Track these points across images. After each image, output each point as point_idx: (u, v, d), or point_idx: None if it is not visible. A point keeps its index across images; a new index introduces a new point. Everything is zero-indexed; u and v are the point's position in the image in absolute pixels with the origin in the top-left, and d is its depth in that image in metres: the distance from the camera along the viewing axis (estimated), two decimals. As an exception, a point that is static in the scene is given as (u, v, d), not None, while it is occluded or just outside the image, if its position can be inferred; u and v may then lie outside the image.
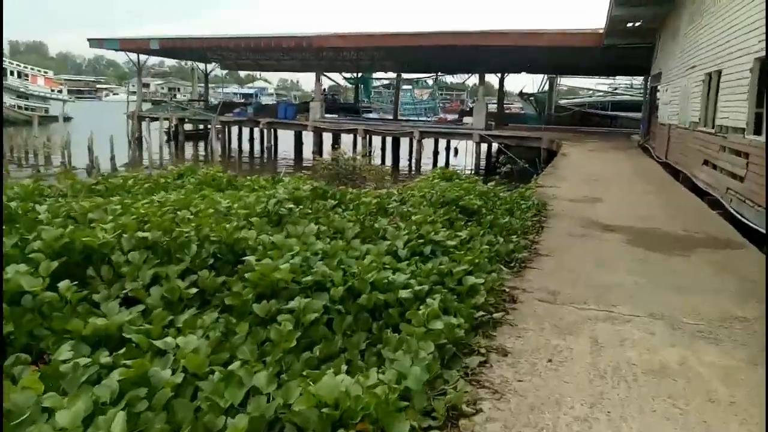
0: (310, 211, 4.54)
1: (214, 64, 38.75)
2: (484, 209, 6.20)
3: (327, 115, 31.34)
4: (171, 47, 28.67)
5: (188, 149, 32.11)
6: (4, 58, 51.04)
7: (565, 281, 4.50)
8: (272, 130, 32.16)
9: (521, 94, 34.62)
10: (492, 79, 34.33)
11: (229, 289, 3.11)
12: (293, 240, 3.59)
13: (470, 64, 24.57)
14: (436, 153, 29.94)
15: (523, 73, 34.02)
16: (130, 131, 31.79)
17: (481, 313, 3.46)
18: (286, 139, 32.91)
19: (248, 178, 7.42)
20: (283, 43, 26.21)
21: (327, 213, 4.60)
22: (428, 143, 29.20)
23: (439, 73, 32.72)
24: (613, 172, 12.47)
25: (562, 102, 37.09)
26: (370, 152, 30.22)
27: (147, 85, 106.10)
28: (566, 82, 46.61)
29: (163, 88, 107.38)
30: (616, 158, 15.89)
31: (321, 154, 32.91)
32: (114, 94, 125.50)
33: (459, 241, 4.80)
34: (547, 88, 34.97)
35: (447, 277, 3.80)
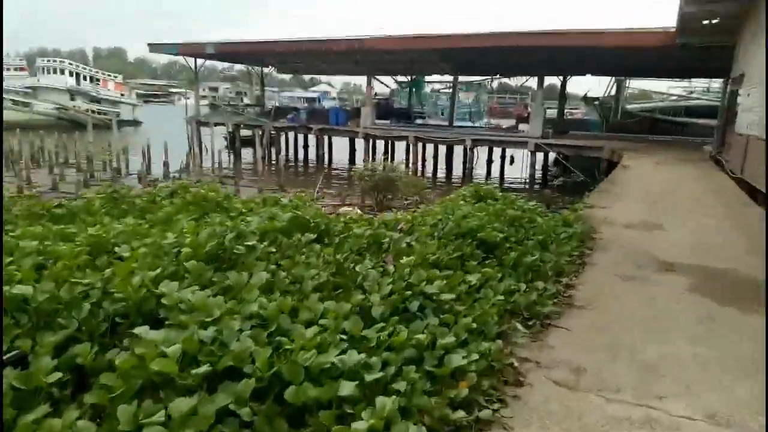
0: (274, 250, 3.71)
1: (271, 68, 38.97)
2: (510, 241, 5.17)
3: (379, 121, 30.69)
4: (226, 51, 28.84)
5: (247, 155, 32.18)
6: (80, 64, 53.74)
7: (598, 351, 3.44)
8: (325, 136, 31.92)
9: (585, 99, 32.65)
10: (555, 81, 32.70)
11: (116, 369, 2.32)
12: (219, 299, 2.76)
13: (529, 66, 23.20)
14: (489, 162, 28.60)
15: (588, 76, 32.05)
16: (189, 137, 32.26)
17: (462, 414, 2.50)
18: (343, 145, 32.57)
19: (253, 200, 6.72)
20: (334, 46, 25.72)
21: (297, 252, 3.75)
22: (485, 151, 28.01)
23: (497, 76, 31.32)
24: (680, 189, 10.99)
25: (630, 107, 34.70)
26: (423, 160, 29.39)
27: (216, 89, 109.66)
28: (638, 85, 43.94)
29: (231, 92, 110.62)
30: (684, 172, 14.22)
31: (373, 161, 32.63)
32: (186, 98, 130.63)
33: (465, 289, 3.84)
34: (614, 91, 32.85)
35: (427, 351, 2.86)
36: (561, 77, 29.41)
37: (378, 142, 29.13)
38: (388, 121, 31.02)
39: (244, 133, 32.70)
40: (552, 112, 31.50)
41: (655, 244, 6.30)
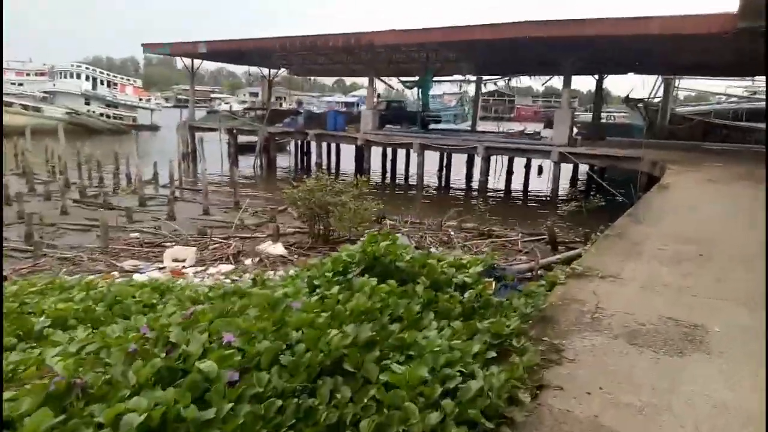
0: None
1: (283, 69, 36.33)
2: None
3: (390, 126, 27.40)
4: (218, 50, 26.24)
5: (248, 163, 29.29)
6: (97, 69, 52.72)
7: None
8: (329, 143, 28.85)
9: (627, 100, 28.34)
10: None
11: None
12: None
13: (557, 63, 19.44)
14: (509, 173, 24.81)
15: (631, 75, 27.81)
16: (181, 143, 29.78)
17: None
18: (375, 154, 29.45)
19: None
20: (330, 41, 22.64)
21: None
22: (512, 160, 24.27)
23: (519, 75, 27.43)
24: (742, 230, 7.20)
25: (681, 110, 30.15)
26: (443, 170, 25.91)
27: (256, 94, 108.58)
28: (690, 85, 38.96)
29: (271, 97, 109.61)
30: (747, 197, 10.27)
31: (383, 172, 29.26)
32: (225, 103, 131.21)
33: None
34: (662, 92, 28.46)
35: None
36: (596, 76, 25.31)
37: (396, 149, 25.98)
38: (398, 126, 27.65)
39: (249, 139, 29.97)
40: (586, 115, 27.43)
41: (689, 410, 2.74)
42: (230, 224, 12.55)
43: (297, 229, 11.41)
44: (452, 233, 11.14)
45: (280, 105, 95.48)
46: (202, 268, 7.84)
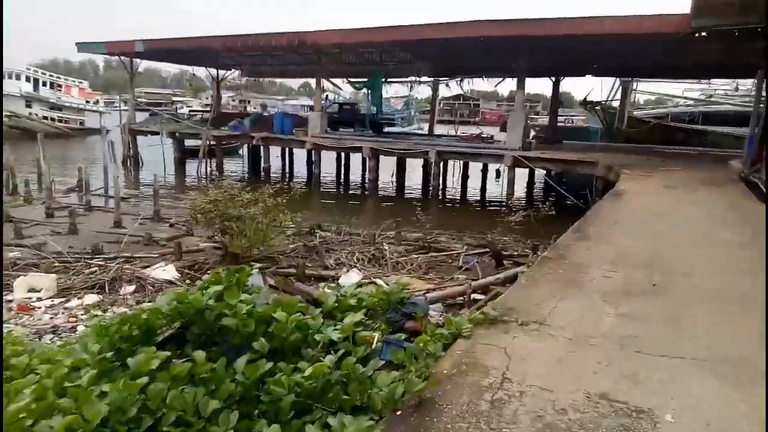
0: None
1: (233, 70, 34.67)
2: None
3: (344, 130, 26.13)
4: (157, 49, 24.50)
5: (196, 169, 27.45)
6: (39, 69, 49.81)
7: None
8: (283, 148, 27.42)
9: (584, 103, 27.71)
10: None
11: None
12: None
13: (512, 64, 18.48)
14: (465, 177, 23.79)
15: (589, 77, 27.19)
16: (122, 148, 27.86)
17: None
18: (328, 159, 27.98)
19: None
20: (274, 41, 21.23)
21: None
22: (468, 164, 23.23)
23: (475, 77, 26.44)
24: (703, 252, 6.14)
25: (638, 113, 29.71)
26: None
27: (219, 98, 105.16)
28: (648, 88, 38.80)
29: (234, 100, 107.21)
30: (706, 205, 9.34)
31: (337, 177, 27.96)
32: (188, 106, 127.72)
33: None
34: (620, 95, 27.93)
35: None
36: (552, 78, 24.55)
37: (350, 153, 24.61)
38: (351, 129, 26.39)
39: (198, 143, 28.18)
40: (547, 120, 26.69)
41: None
42: (139, 238, 11.05)
43: (216, 245, 10.02)
44: (386, 248, 9.90)
45: (245, 108, 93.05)
46: (63, 299, 6.40)
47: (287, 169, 29.35)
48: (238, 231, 7.60)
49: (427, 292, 7.45)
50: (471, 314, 3.78)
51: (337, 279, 7.91)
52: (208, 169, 25.74)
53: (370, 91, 24.70)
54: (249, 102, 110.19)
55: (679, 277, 4.92)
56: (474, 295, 7.19)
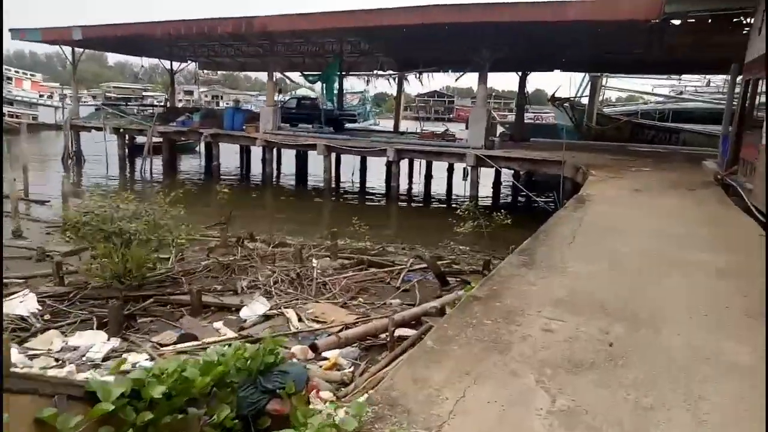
0: None
1: (188, 62, 32.78)
2: None
3: (303, 125, 24.60)
4: (96, 36, 22.58)
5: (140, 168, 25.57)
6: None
7: None
8: (244, 146, 25.75)
9: (552, 99, 26.69)
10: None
11: None
12: None
13: (473, 55, 17.20)
14: (429, 177, 22.52)
15: (558, 72, 26.16)
16: (64, 145, 25.94)
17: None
18: (288, 157, 26.37)
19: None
20: (219, 27, 19.58)
21: None
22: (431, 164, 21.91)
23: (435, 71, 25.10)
24: (678, 280, 4.87)
25: (608, 111, 28.80)
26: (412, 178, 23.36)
27: (190, 92, 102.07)
28: (618, 84, 37.96)
29: (207, 96, 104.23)
30: (681, 216, 8.14)
31: (297, 176, 26.33)
32: (158, 101, 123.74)
33: None
34: (589, 91, 26.96)
35: None
36: (519, 73, 23.38)
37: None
38: (310, 126, 24.84)
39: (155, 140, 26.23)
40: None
41: None
42: (32, 252, 9.45)
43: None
44: (316, 264, 8.49)
45: (217, 104, 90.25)
46: None
47: (245, 168, 27.77)
48: (107, 252, 6.09)
49: (345, 328, 6.08)
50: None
51: (239, 310, 6.49)
52: (151, 167, 23.91)
53: (324, 85, 23.13)
54: (222, 97, 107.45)
55: (645, 330, 3.62)
56: (400, 331, 5.85)
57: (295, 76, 27.59)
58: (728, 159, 12.29)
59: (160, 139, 24.00)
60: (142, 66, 33.46)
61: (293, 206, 19.18)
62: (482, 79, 17.56)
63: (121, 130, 24.61)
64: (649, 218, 7.78)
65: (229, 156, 26.00)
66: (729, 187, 10.88)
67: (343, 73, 26.25)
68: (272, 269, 8.21)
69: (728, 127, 13.92)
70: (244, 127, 21.46)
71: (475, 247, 11.80)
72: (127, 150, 25.08)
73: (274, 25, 18.63)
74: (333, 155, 20.49)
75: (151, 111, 29.60)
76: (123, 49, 29.49)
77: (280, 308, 6.53)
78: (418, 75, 25.63)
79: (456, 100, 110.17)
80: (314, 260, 8.52)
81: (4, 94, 44.91)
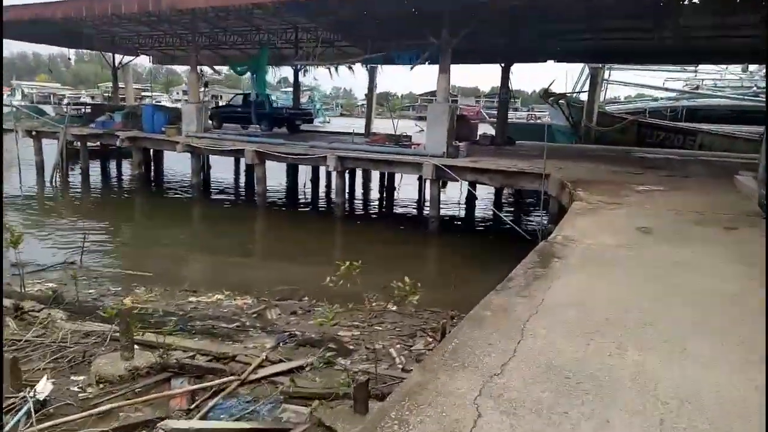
0: None
1: (139, 55, 29.10)
2: None
3: (254, 126, 20.85)
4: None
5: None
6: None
7: None
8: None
9: (545, 95, 22.77)
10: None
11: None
12: None
13: (433, 37, 13.36)
14: (391, 189, 18.65)
15: (551, 62, 22.19)
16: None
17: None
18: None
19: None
20: (123, 5, 15.76)
21: None
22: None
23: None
24: None
25: (611, 109, 24.82)
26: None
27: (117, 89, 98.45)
28: (623, 77, 33.82)
29: (206, 95, 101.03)
30: (717, 299, 4.14)
31: (236, 187, 22.32)
32: (156, 102, 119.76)
33: None
34: (589, 85, 23.03)
35: None
36: (502, 64, 19.43)
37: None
38: (258, 127, 21.07)
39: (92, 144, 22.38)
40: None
41: None
42: None
43: None
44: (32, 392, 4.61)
45: (217, 104, 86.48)
46: None
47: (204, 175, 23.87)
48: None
49: None
50: None
51: None
52: (66, 176, 20.10)
53: (255, 75, 19.30)
54: (221, 97, 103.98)
55: None
56: None
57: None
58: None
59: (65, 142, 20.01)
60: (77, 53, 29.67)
61: (234, 222, 15.40)
62: (443, 68, 13.62)
63: (34, 132, 20.88)
64: (670, 313, 3.86)
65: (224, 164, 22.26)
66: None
67: (301, 66, 22.52)
68: None
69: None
70: (163, 129, 17.64)
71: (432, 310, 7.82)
72: (62, 156, 21.22)
73: (186, 2, 14.82)
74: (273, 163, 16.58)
75: (82, 110, 25.89)
76: (44, 39, 25.50)
77: None
78: (369, 69, 21.90)
79: (459, 99, 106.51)
80: (43, 381, 4.56)
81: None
